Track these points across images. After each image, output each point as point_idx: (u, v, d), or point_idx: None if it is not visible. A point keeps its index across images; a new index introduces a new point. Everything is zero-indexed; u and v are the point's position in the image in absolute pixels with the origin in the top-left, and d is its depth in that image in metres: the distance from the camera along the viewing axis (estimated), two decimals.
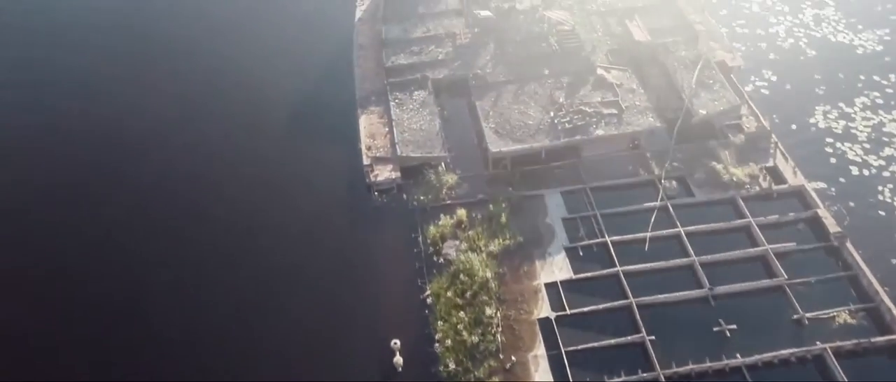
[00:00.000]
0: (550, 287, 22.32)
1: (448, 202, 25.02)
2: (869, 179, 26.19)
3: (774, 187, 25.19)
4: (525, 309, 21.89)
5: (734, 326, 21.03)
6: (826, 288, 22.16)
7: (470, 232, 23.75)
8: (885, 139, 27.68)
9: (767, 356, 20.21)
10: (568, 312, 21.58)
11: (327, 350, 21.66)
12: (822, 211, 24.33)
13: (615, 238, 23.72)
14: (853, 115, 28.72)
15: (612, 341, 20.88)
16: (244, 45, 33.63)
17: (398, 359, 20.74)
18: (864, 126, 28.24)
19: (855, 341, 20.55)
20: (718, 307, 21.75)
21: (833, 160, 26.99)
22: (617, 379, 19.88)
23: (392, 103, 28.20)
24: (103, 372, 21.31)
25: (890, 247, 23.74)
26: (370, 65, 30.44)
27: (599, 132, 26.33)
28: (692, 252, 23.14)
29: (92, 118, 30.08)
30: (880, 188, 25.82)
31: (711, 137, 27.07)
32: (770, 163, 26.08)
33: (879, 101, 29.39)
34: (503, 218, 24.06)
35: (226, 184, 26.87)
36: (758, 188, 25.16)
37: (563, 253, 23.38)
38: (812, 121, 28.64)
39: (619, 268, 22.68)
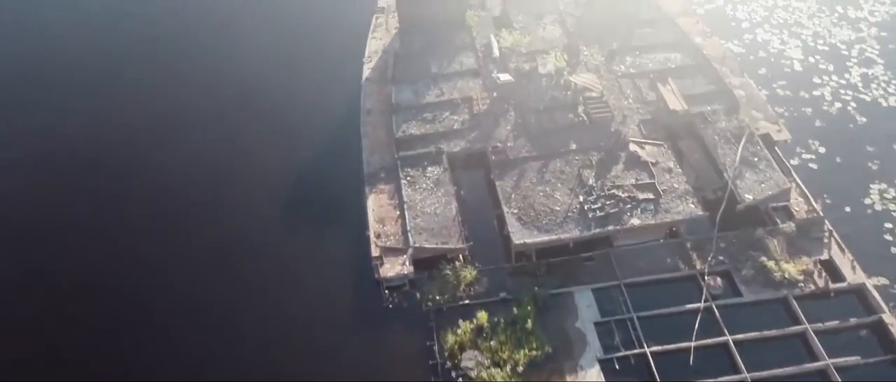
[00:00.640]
0: None
1: (467, 302, 22.40)
2: None
3: (832, 286, 22.47)
4: None
5: None
6: None
7: (492, 342, 21.10)
8: None
9: None
10: None
11: None
12: (888, 317, 21.59)
13: (655, 348, 21.00)
14: None
15: None
16: (241, 106, 31.13)
17: None
18: None
19: None
20: None
21: (894, 249, 24.28)
22: None
23: (403, 181, 25.60)
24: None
25: None
26: (379, 135, 27.83)
27: (635, 221, 23.65)
28: (743, 366, 20.45)
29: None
30: None
31: (757, 223, 24.38)
32: (825, 256, 23.36)
33: None
34: (529, 324, 21.42)
35: (211, 283, 23.89)
36: (813, 287, 22.46)
37: (597, 367, 20.63)
38: (867, 201, 25.88)
39: None
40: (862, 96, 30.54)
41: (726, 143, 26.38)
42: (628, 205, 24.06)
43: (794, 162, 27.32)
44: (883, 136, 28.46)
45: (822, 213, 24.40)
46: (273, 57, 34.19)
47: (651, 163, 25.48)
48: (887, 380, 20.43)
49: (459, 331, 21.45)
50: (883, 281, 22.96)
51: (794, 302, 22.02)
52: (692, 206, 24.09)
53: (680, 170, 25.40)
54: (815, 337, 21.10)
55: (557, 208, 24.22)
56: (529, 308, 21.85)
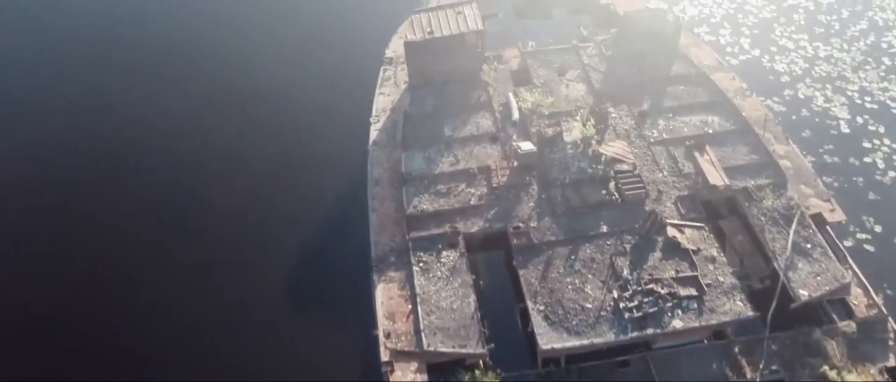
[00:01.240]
0: None
1: None
2: None
3: None
4: None
5: None
6: None
7: None
8: None
9: None
10: None
11: None
12: None
13: None
14: None
15: None
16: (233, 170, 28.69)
17: None
18: None
19: None
20: None
21: None
22: None
23: (415, 268, 23.00)
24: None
25: None
26: (387, 210, 25.23)
27: (677, 323, 21.01)
28: None
29: None
30: None
31: (812, 320, 21.72)
32: (891, 362, 20.70)
33: None
34: None
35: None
36: None
37: None
38: None
39: None
40: None
41: (774, 225, 23.71)
42: (669, 304, 21.42)
43: (848, 243, 24.65)
44: None
45: (884, 310, 21.73)
46: (280, 110, 31.74)
47: (692, 250, 22.85)
48: None
49: None
50: None
51: None
52: (741, 305, 21.41)
53: (724, 259, 22.74)
54: None
55: (589, 305, 21.59)
56: None
